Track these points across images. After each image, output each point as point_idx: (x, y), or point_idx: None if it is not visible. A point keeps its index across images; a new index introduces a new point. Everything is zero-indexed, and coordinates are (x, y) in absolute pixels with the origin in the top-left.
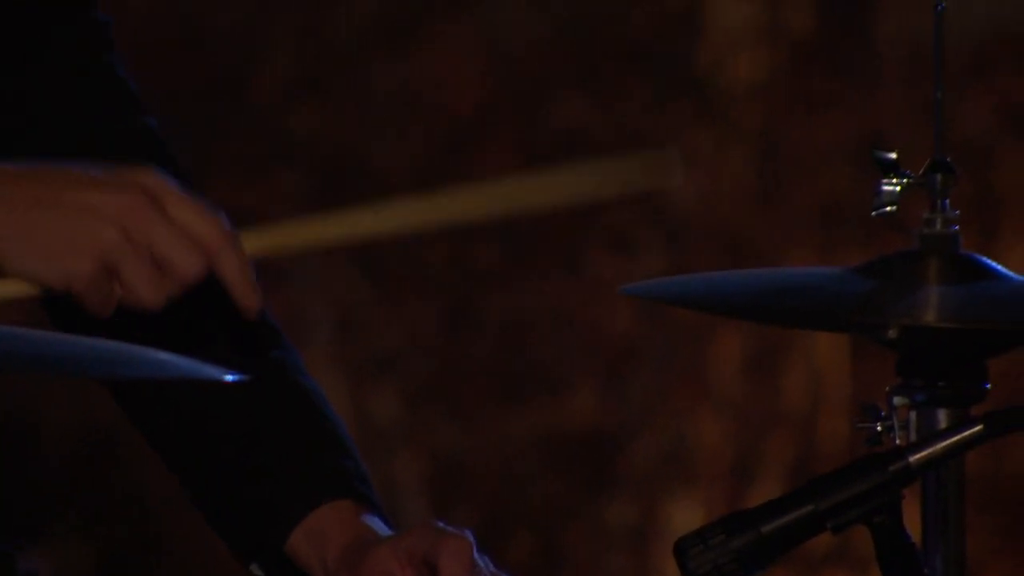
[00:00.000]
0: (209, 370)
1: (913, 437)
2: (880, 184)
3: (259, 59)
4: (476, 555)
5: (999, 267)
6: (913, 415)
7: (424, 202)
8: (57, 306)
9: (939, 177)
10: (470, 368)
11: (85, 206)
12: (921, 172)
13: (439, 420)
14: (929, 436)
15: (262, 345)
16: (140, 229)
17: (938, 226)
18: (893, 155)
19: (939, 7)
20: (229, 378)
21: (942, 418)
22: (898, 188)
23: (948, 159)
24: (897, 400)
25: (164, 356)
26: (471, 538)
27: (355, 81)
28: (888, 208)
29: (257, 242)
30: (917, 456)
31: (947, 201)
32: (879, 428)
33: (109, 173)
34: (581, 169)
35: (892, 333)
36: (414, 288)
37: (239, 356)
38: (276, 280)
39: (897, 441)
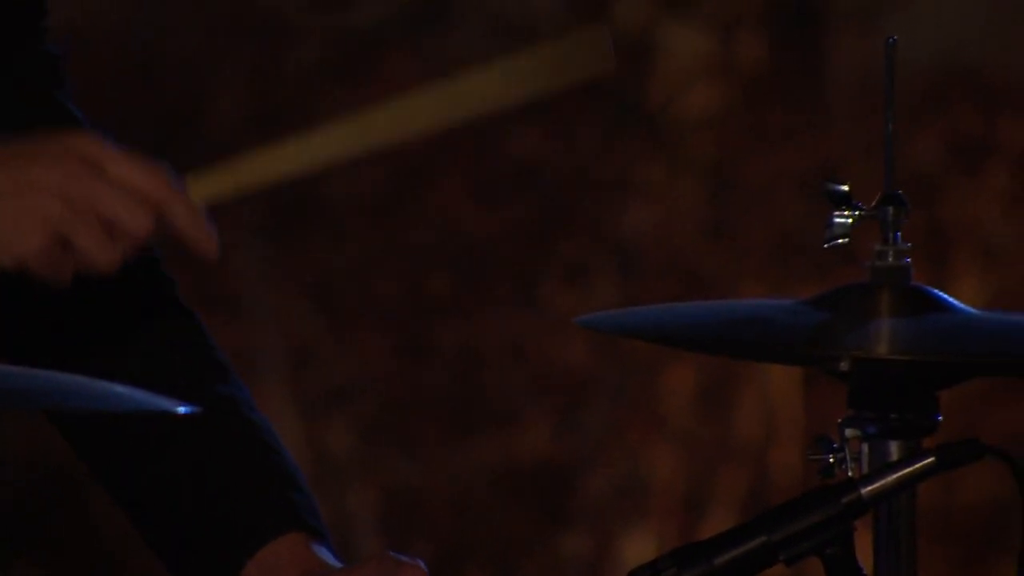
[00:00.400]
0: (161, 402)
1: (865, 469)
2: (832, 216)
3: (212, 92)
4: None
5: (951, 299)
6: (865, 447)
7: (364, 118)
8: (4, 334)
9: (891, 210)
10: (423, 401)
11: (25, 183)
12: (873, 204)
13: (392, 453)
14: (881, 468)
15: (211, 381)
16: (83, 196)
17: (890, 258)
18: (845, 187)
19: (890, 41)
20: (181, 410)
21: (894, 450)
22: (850, 220)
23: (900, 192)
24: (849, 432)
25: (117, 388)
26: (424, 568)
27: (308, 113)
28: (840, 240)
29: (203, 187)
30: (869, 488)
31: (899, 233)
32: (831, 460)
33: (40, 143)
34: (514, 62)
35: (844, 365)
36: (367, 320)
37: (188, 392)
38: (228, 313)
39: (849, 473)
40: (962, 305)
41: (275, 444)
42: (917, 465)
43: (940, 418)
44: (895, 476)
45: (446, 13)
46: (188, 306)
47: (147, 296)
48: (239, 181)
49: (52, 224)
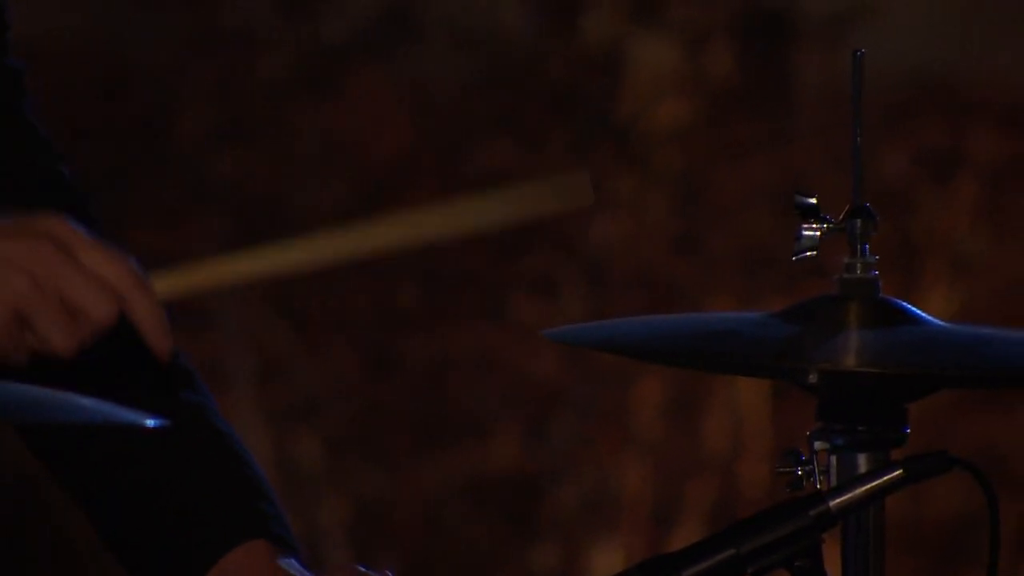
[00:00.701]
0: (129, 415)
1: (833, 481)
2: (800, 229)
3: (180, 104)
4: None
5: (919, 311)
6: (833, 459)
7: (335, 236)
8: None
9: (859, 222)
10: (392, 413)
11: None
12: (841, 217)
13: (361, 465)
14: (849, 480)
15: (176, 389)
16: (50, 276)
17: (858, 271)
18: (813, 200)
19: (858, 53)
20: (150, 423)
21: (862, 462)
22: (818, 233)
23: (868, 204)
24: (818, 444)
25: (84, 401)
26: None
27: (277, 126)
28: (808, 253)
29: (167, 284)
30: (837, 500)
31: (867, 246)
32: (800, 472)
33: (16, 221)
34: (498, 196)
35: (812, 377)
36: (336, 333)
37: (153, 400)
38: (197, 325)
39: (818, 485)
40: (930, 317)
41: (241, 453)
42: (885, 477)
43: (908, 430)
44: (863, 488)
45: (414, 27)
46: None
47: None
48: (205, 280)
49: (15, 300)
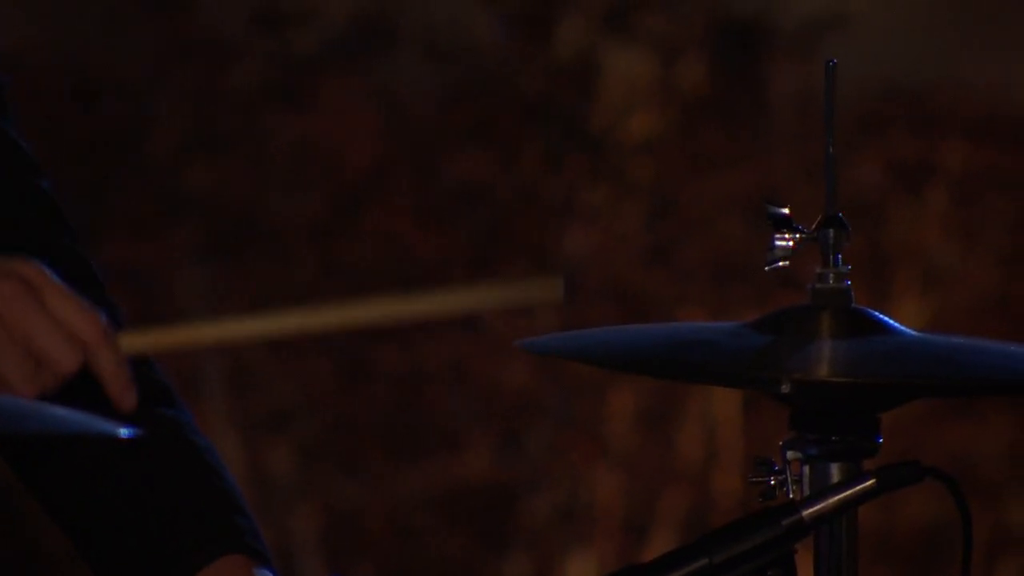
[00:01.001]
0: (102, 425)
1: (806, 491)
2: (773, 239)
3: (154, 115)
4: None
5: (891, 321)
6: (806, 469)
7: (302, 312)
8: None
9: (831, 232)
10: (366, 423)
11: None
12: (814, 227)
13: (334, 475)
14: (822, 490)
15: (151, 403)
16: (17, 320)
17: (830, 281)
18: (786, 210)
19: (830, 64)
20: (123, 433)
21: (835, 472)
22: (791, 243)
23: (840, 214)
24: (790, 454)
25: (59, 411)
26: None
27: (251, 138)
28: (781, 263)
29: (134, 341)
30: (810, 510)
31: (839, 256)
32: (772, 482)
33: None
34: (477, 289)
35: (785, 387)
36: (309, 343)
37: (128, 414)
38: None
39: (790, 495)
40: (902, 327)
41: (217, 466)
42: (858, 487)
43: (881, 440)
44: (836, 498)
45: (387, 37)
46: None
47: None
48: (170, 341)
49: None
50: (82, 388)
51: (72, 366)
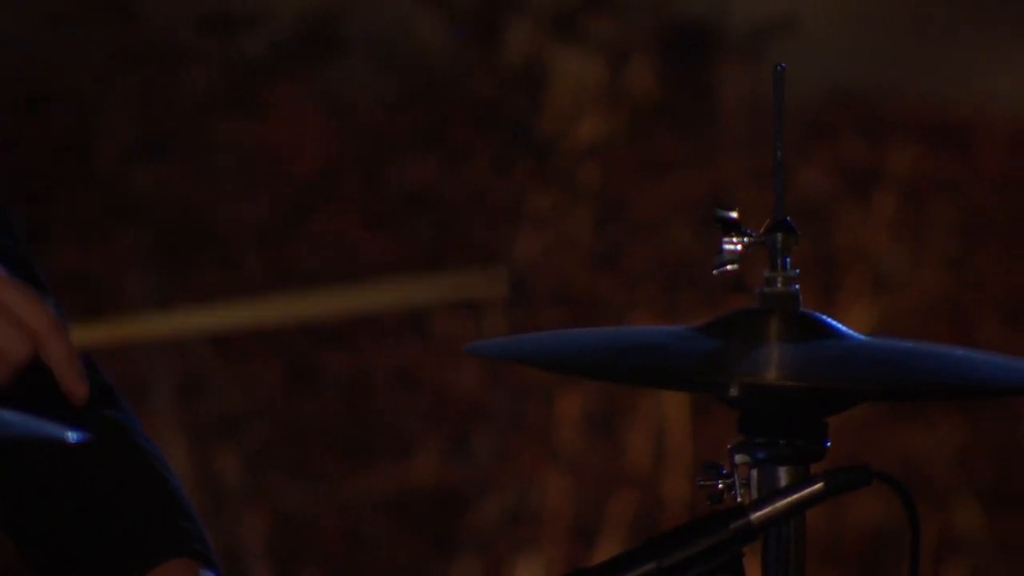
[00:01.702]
0: (50, 428)
1: (754, 495)
2: (721, 243)
3: (102, 119)
4: None
5: (839, 325)
6: (754, 473)
7: (257, 305)
8: None
9: (780, 236)
10: (314, 428)
11: None
12: (762, 231)
13: (282, 480)
14: (770, 494)
15: (96, 405)
16: None
17: (779, 285)
18: (734, 214)
19: (778, 68)
20: (72, 437)
21: (783, 476)
22: (739, 247)
23: (788, 218)
24: (738, 458)
25: (5, 415)
26: None
27: (199, 142)
28: (729, 267)
29: (82, 335)
30: (758, 513)
31: (788, 260)
32: (720, 486)
33: None
34: (421, 283)
35: (734, 391)
36: (256, 348)
37: (73, 416)
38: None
39: (738, 499)
40: (850, 331)
41: (163, 470)
42: (806, 491)
43: (829, 444)
44: (784, 502)
45: (336, 43)
46: None
47: None
48: (125, 333)
49: None
50: (28, 392)
51: (22, 356)
